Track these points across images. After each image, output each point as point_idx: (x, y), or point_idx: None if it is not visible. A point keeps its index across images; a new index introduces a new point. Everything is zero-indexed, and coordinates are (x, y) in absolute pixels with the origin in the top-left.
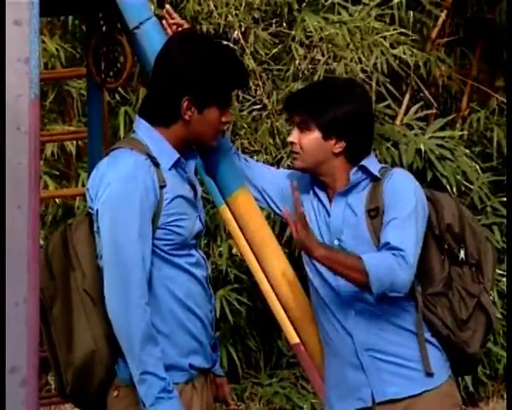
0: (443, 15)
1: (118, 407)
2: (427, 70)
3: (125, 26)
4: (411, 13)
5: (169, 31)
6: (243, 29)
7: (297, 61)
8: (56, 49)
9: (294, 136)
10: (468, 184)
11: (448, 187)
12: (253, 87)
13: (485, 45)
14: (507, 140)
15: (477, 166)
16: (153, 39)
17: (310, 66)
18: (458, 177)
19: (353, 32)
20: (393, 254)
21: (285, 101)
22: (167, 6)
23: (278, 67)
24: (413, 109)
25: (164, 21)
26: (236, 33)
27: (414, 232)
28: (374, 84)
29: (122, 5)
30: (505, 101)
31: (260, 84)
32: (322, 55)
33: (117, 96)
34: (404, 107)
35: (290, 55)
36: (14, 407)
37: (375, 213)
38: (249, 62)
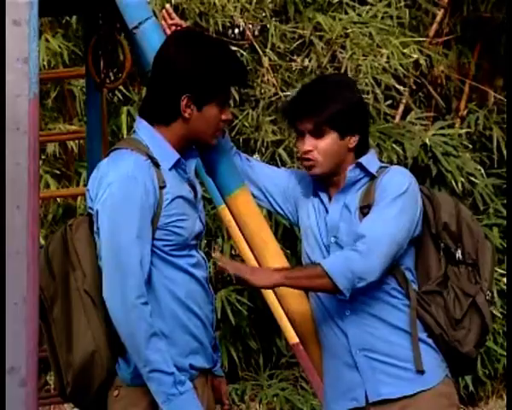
0: (440, 14)
1: (118, 406)
2: (428, 69)
3: (125, 26)
4: (407, 11)
5: (168, 31)
6: (256, 24)
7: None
8: (59, 47)
9: (309, 143)
10: (472, 178)
11: (453, 182)
12: (270, 80)
13: (483, 44)
14: (507, 140)
15: (482, 171)
16: (152, 39)
17: (321, 62)
18: (462, 176)
19: (364, 31)
20: (356, 251)
21: (285, 109)
22: (167, 6)
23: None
24: (414, 111)
25: (163, 22)
26: (252, 29)
27: (387, 221)
28: (383, 83)
29: (121, 5)
30: (503, 99)
31: (274, 81)
32: (342, 48)
33: (120, 96)
34: (402, 106)
35: (306, 50)
36: (14, 406)
37: (367, 210)
38: (269, 54)
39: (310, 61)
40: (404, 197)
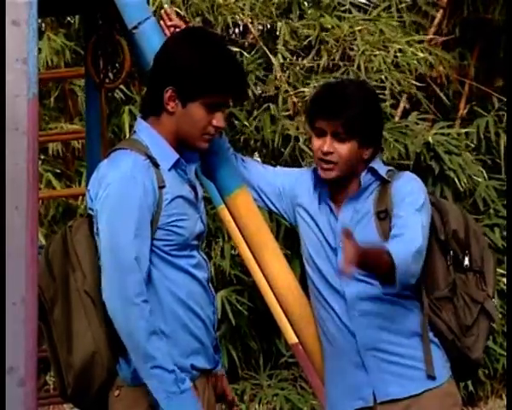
0: (439, 15)
1: (119, 406)
2: (428, 69)
3: (124, 27)
4: (406, 14)
5: (166, 32)
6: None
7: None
8: (62, 45)
9: (330, 145)
10: (475, 177)
11: (456, 180)
12: (283, 79)
13: (483, 45)
14: (507, 139)
15: (484, 173)
16: (151, 39)
17: (332, 59)
18: (464, 176)
19: (372, 30)
20: (413, 247)
21: (312, 107)
22: (165, 6)
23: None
24: (416, 111)
25: (161, 22)
26: (257, 27)
27: (423, 227)
28: (389, 84)
29: (120, 5)
30: (504, 99)
31: (283, 78)
32: (352, 45)
33: (122, 96)
34: (401, 106)
35: (316, 48)
36: (12, 406)
37: (384, 214)
38: (281, 51)
39: (321, 58)
40: (424, 207)
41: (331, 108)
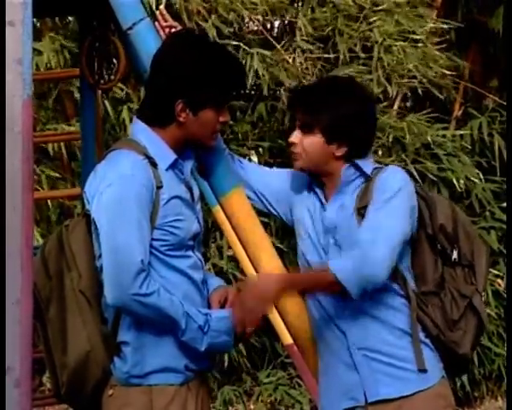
0: (434, 16)
1: (112, 405)
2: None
3: (119, 27)
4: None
5: (161, 33)
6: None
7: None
8: (61, 44)
9: (296, 137)
10: (472, 178)
11: (454, 180)
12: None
13: (477, 46)
14: (507, 139)
15: (480, 174)
16: (146, 40)
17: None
18: (461, 177)
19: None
20: (361, 248)
21: (289, 98)
22: (161, 7)
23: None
24: (410, 115)
25: (156, 23)
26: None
27: (388, 224)
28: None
29: (115, 6)
30: (499, 101)
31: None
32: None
33: (122, 94)
34: (395, 107)
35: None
36: (8, 407)
37: (364, 211)
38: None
39: (338, 51)
40: (398, 195)
41: (300, 102)
